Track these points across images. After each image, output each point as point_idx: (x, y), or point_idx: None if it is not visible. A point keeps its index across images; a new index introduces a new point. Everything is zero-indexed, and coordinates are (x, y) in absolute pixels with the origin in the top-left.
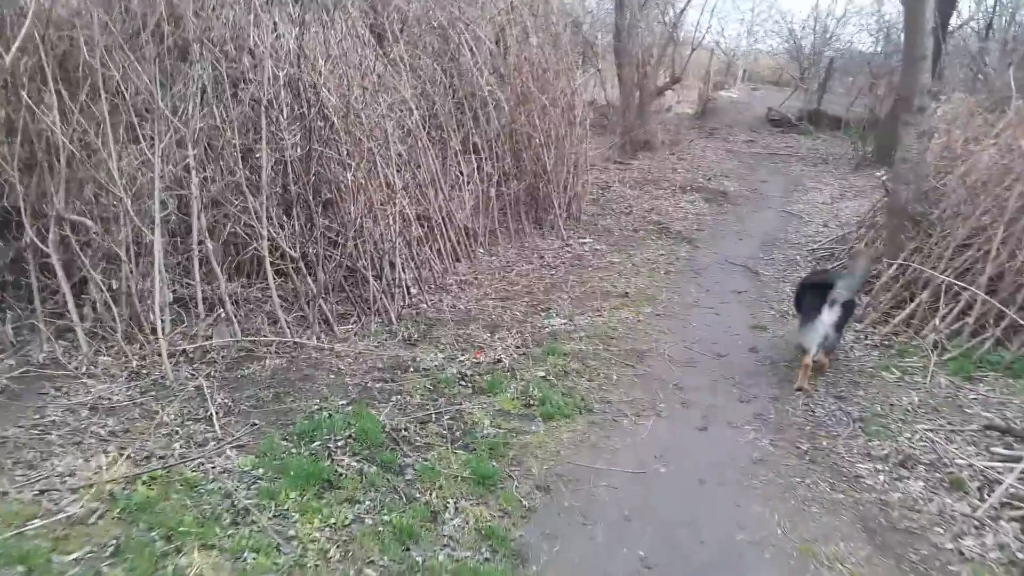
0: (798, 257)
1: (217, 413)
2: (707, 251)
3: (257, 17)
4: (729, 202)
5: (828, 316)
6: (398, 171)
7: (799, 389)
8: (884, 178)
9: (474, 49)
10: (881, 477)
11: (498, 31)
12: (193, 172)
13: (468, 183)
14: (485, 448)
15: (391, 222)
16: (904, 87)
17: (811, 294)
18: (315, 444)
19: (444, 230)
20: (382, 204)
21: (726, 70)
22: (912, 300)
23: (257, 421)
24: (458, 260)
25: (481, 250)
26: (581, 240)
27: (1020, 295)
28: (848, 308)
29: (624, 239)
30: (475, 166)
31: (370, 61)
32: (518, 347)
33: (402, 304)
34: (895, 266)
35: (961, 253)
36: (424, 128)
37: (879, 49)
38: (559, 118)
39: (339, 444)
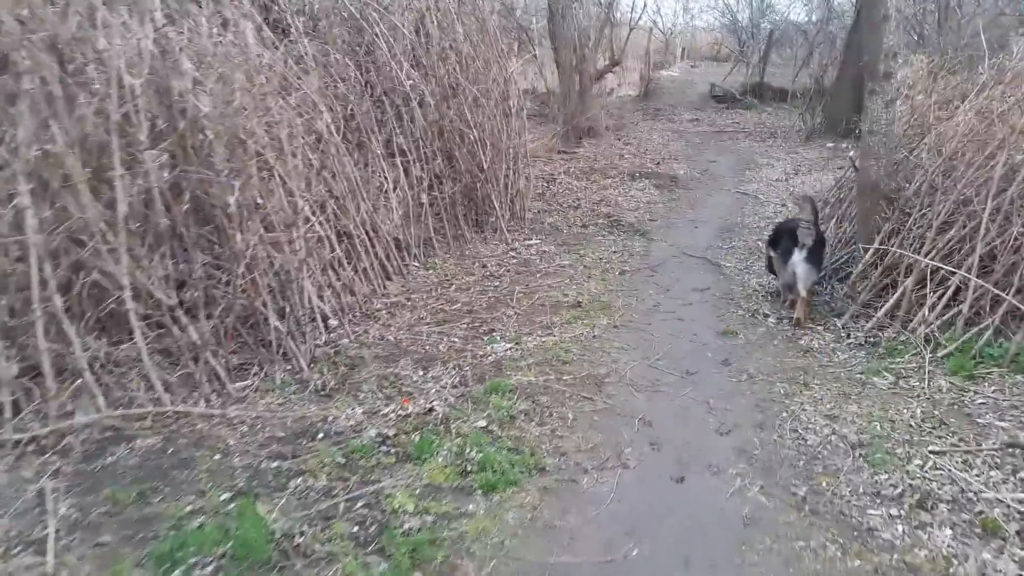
0: (760, 244)
1: (57, 532)
2: (662, 244)
3: (97, 13)
4: (680, 187)
5: (798, 256)
6: (306, 185)
7: (797, 324)
8: (851, 154)
9: (391, 40)
10: (899, 527)
11: (418, 19)
12: (29, 212)
13: (395, 189)
14: (406, 551)
15: (297, 247)
16: (868, 51)
17: (785, 240)
18: (176, 574)
19: (370, 246)
20: (285, 226)
21: (665, 49)
22: (895, 288)
23: (108, 539)
24: (388, 279)
25: (416, 264)
26: (527, 242)
27: (1016, 276)
28: (820, 244)
29: (574, 237)
30: (402, 170)
31: (265, 60)
32: (455, 387)
33: (317, 343)
34: (871, 251)
35: (944, 232)
36: (339, 132)
37: (814, 18)
38: (493, 110)
39: (208, 570)
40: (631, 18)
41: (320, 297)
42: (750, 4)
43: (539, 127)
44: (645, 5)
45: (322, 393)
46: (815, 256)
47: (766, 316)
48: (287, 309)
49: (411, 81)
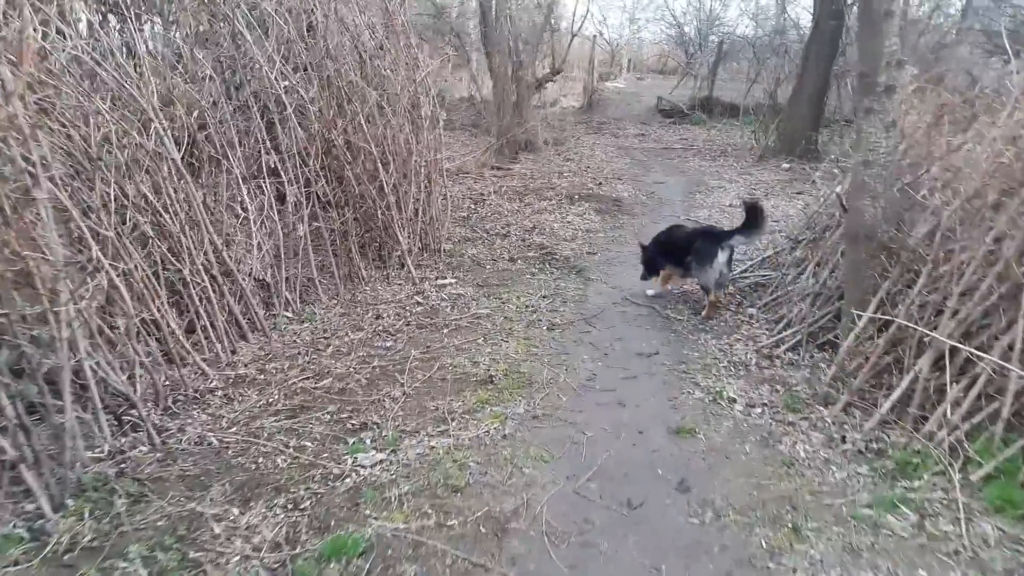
0: None
1: None
2: (602, 286)
3: None
4: (624, 212)
5: (722, 257)
6: (98, 218)
7: (708, 318)
8: (837, 190)
9: (262, 33)
10: None
11: (301, 7)
12: None
13: (262, 219)
14: None
15: (70, 315)
16: (863, 58)
17: (704, 241)
18: None
19: (217, 296)
20: (50, 289)
21: (611, 60)
22: (900, 370)
23: None
24: (244, 337)
25: (288, 315)
26: (440, 281)
27: None
28: (732, 251)
29: (498, 274)
30: (272, 195)
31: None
32: (277, 547)
33: (94, 455)
34: (865, 320)
35: (967, 297)
36: (186, 146)
37: (761, 32)
38: (401, 121)
39: None
40: (572, 24)
41: (129, 377)
42: (697, 16)
43: (473, 140)
44: (588, 12)
45: (63, 561)
46: (730, 259)
47: (732, 401)
48: (42, 414)
49: (287, 83)
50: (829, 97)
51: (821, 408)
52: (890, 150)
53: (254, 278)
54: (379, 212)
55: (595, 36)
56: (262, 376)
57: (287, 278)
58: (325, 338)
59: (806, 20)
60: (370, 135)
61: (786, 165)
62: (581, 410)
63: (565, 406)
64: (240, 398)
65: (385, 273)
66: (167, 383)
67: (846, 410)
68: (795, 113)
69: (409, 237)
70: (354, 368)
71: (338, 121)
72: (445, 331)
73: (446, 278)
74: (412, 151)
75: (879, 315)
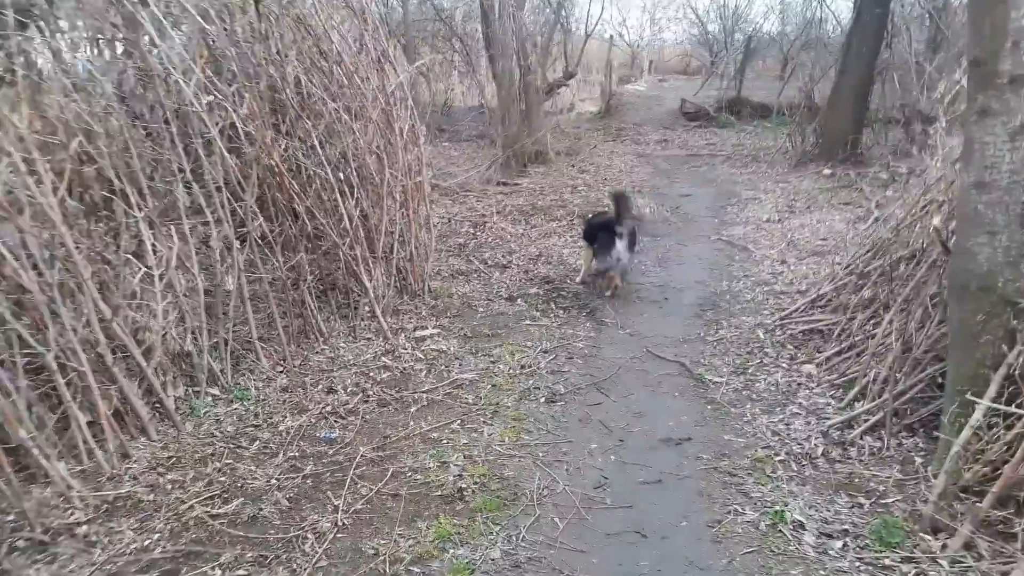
0: (762, 334)
1: None
2: (617, 332)
3: None
4: (645, 232)
5: (620, 244)
6: None
7: (612, 294)
8: (934, 222)
9: (170, 31)
10: None
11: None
12: None
13: (170, 272)
14: None
15: None
16: (975, 38)
17: (603, 233)
18: None
19: (100, 380)
20: None
21: (631, 63)
22: None
23: None
24: (144, 431)
25: (214, 392)
26: (419, 332)
27: None
28: (632, 236)
29: (492, 320)
30: (190, 240)
31: None
32: None
33: None
34: (984, 409)
35: None
36: (65, 182)
37: (788, 29)
38: (371, 139)
39: None
40: (587, 23)
41: None
42: (720, 13)
43: (480, 152)
44: (603, 9)
45: None
46: (631, 245)
47: (799, 527)
48: None
49: (211, 98)
50: (872, 95)
51: (929, 538)
52: (1016, 167)
53: (167, 349)
54: (341, 253)
55: (611, 36)
56: (151, 496)
57: (215, 343)
58: (255, 426)
59: (843, 12)
60: (326, 159)
61: (828, 171)
62: (583, 548)
63: (561, 541)
64: (108, 539)
65: (351, 325)
66: (10, 520)
67: (969, 546)
68: (835, 113)
69: (383, 278)
70: (278, 479)
71: (281, 143)
72: (413, 409)
73: (427, 328)
74: (385, 174)
75: (1005, 401)
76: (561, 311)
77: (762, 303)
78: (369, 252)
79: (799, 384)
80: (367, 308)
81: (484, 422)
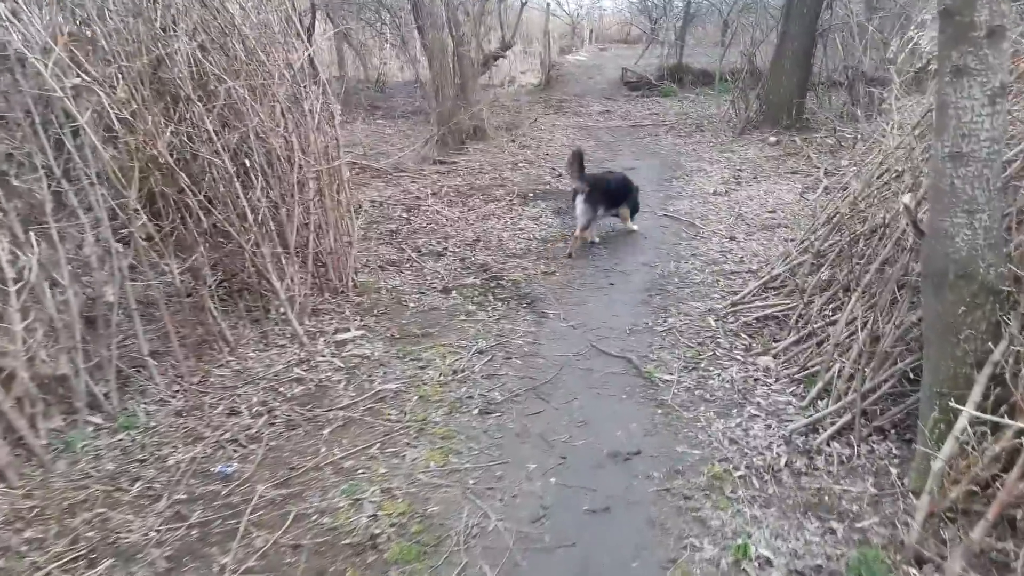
0: (713, 322)
1: None
2: (560, 324)
3: None
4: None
5: (578, 204)
6: None
7: (569, 255)
8: (904, 199)
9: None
10: None
11: None
12: None
13: (28, 285)
14: None
15: None
16: None
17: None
18: None
19: None
20: None
21: (572, 33)
22: None
23: None
24: (2, 478)
25: (96, 421)
26: (339, 336)
27: None
28: (589, 198)
29: (423, 317)
30: (59, 244)
31: None
32: None
33: None
34: (965, 415)
35: None
36: None
37: None
38: (278, 120)
39: None
40: None
41: None
42: None
43: (416, 130)
44: None
45: None
46: (591, 200)
47: (765, 564)
48: None
49: (79, 80)
50: (815, 57)
51: (914, 572)
52: (996, 136)
53: (36, 374)
54: (246, 251)
55: (549, 5)
56: (1, 563)
57: (98, 363)
58: (140, 461)
59: None
60: (226, 144)
61: (773, 138)
62: None
63: None
64: None
65: (263, 331)
66: None
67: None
68: (778, 78)
69: (298, 276)
70: (159, 530)
71: (168, 129)
72: (327, 432)
73: (349, 330)
74: (294, 161)
75: (991, 405)
76: (499, 303)
77: (712, 285)
78: (282, 248)
79: (756, 380)
80: (280, 311)
81: (408, 444)
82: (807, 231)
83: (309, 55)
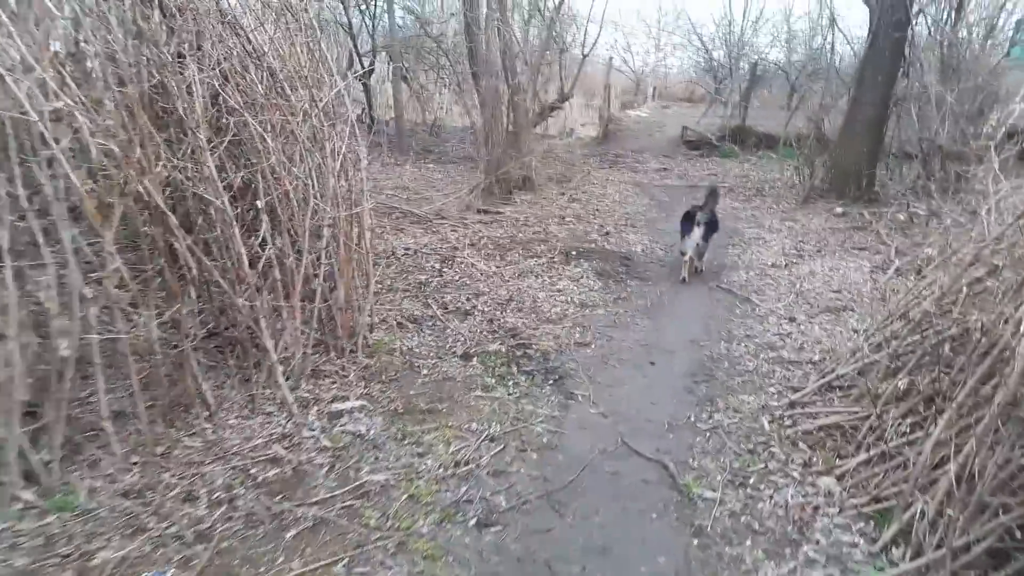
0: (767, 423)
1: None
2: (589, 411)
3: None
4: (635, 275)
5: (697, 232)
6: None
7: (683, 280)
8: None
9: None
10: None
11: None
12: None
13: None
14: None
15: None
16: None
17: (686, 222)
18: None
19: None
20: None
21: (636, 89)
22: None
23: None
24: None
25: (28, 498)
26: (335, 406)
27: None
28: (710, 226)
29: (435, 387)
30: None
31: None
32: None
33: None
34: None
35: None
36: None
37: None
38: (298, 160)
39: None
40: (583, 45)
41: None
42: (726, 41)
43: (465, 176)
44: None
45: None
46: (708, 233)
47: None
48: None
49: (61, 103)
50: (888, 127)
51: None
52: None
53: None
54: (237, 302)
55: (611, 58)
56: None
57: (43, 426)
58: (62, 556)
59: (855, 32)
60: (228, 184)
61: (839, 210)
62: None
63: None
64: None
65: (251, 393)
66: None
67: None
68: (847, 146)
69: (298, 334)
70: None
71: (166, 164)
72: (291, 534)
73: (348, 399)
74: (309, 205)
75: None
76: (523, 377)
77: (767, 375)
78: (285, 300)
79: (816, 508)
80: (270, 375)
81: (382, 562)
82: (879, 324)
83: (340, 92)
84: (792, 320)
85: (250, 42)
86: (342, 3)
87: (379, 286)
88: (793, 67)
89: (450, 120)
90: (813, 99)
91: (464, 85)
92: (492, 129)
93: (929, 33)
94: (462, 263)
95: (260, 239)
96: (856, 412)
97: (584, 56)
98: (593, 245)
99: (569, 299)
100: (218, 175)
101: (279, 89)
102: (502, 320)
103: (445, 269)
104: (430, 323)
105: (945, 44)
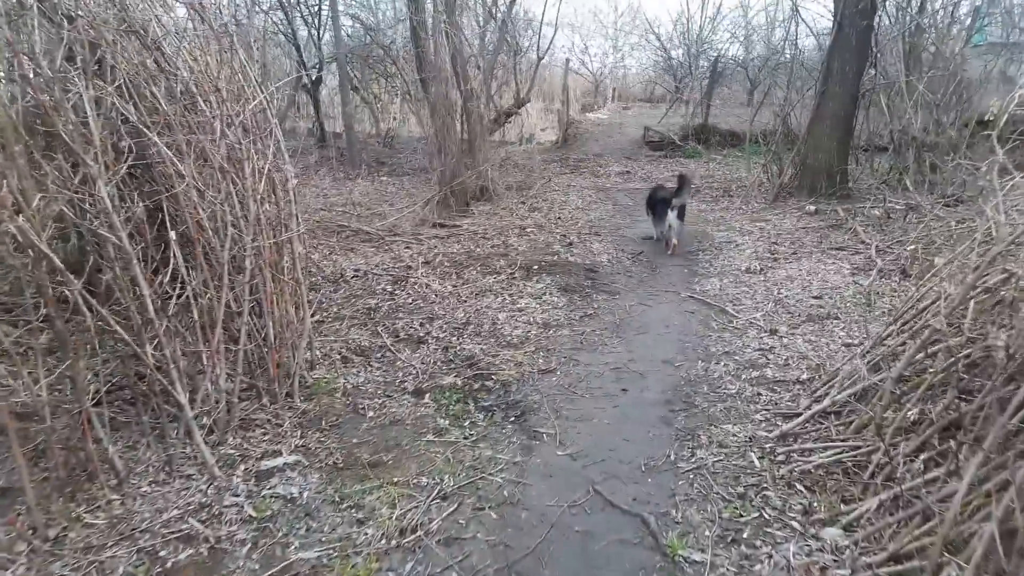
0: (756, 459)
1: None
2: (555, 452)
3: None
4: (601, 287)
5: (672, 215)
6: None
7: (671, 253)
8: None
9: None
10: None
11: None
12: None
13: None
14: None
15: None
16: None
17: (660, 204)
18: None
19: None
20: None
21: (595, 91)
22: None
23: None
24: None
25: None
26: (264, 463)
27: None
28: (682, 210)
29: (379, 434)
30: None
31: None
32: None
33: None
34: None
35: None
36: None
37: (753, 54)
38: (218, 183)
39: None
40: (538, 47)
41: None
42: (684, 39)
43: (421, 188)
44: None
45: None
46: (681, 216)
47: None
48: None
49: None
50: (857, 119)
51: None
52: None
53: None
54: (141, 354)
55: (568, 60)
56: None
57: None
58: None
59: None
60: (131, 215)
61: (812, 207)
62: None
63: None
64: None
65: (169, 453)
66: None
67: None
68: (817, 140)
69: (220, 382)
70: None
71: (32, 197)
72: None
73: (280, 454)
74: (227, 234)
75: None
76: (481, 415)
77: (752, 400)
78: (204, 344)
79: (823, 569)
80: (186, 430)
81: None
82: (875, 340)
83: (263, 105)
84: (774, 333)
85: (159, 51)
86: (284, 13)
87: (324, 314)
88: (753, 63)
89: (406, 130)
90: (777, 94)
91: (414, 93)
92: (444, 138)
93: (893, 20)
94: (416, 284)
95: (170, 276)
96: (859, 447)
97: (540, 59)
98: (556, 257)
99: (531, 319)
100: (116, 206)
101: (191, 104)
102: (458, 347)
103: (397, 291)
104: (379, 355)
105: (911, 31)
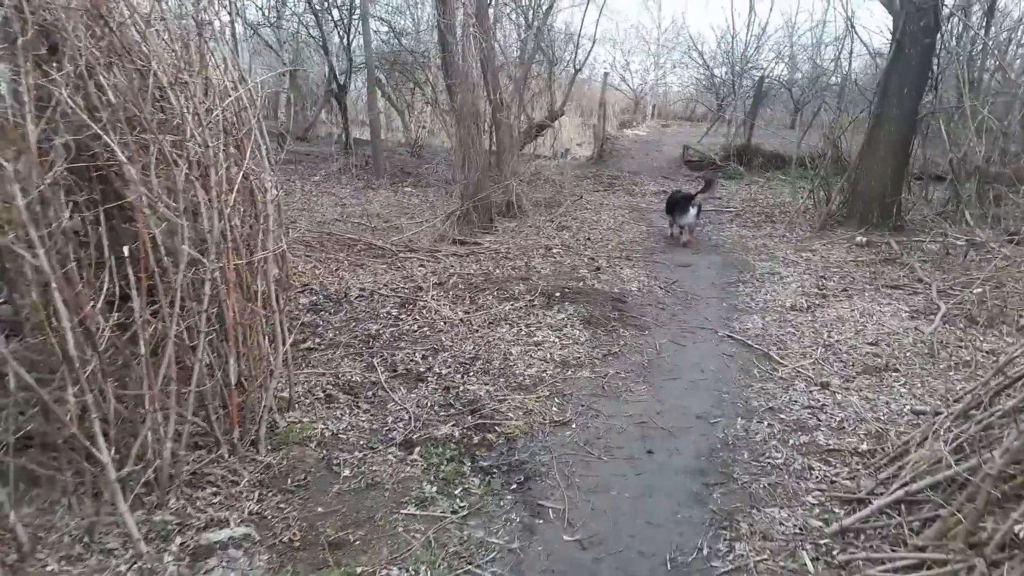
0: (809, 561)
1: None
2: (558, 535)
3: None
4: (629, 322)
5: (692, 211)
6: None
7: (685, 244)
8: None
9: None
10: None
11: None
12: None
13: None
14: None
15: None
16: None
17: (682, 201)
18: None
19: None
20: None
21: (635, 107)
22: None
23: None
24: None
25: None
26: (205, 537)
27: None
28: (700, 208)
29: (350, 500)
30: None
31: None
32: None
33: None
34: None
35: None
36: None
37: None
38: (180, 190)
39: None
40: (575, 59)
41: None
42: (728, 58)
43: (444, 200)
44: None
45: None
46: (699, 214)
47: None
48: None
49: None
50: (913, 145)
51: None
52: None
53: None
54: (52, 406)
55: (606, 74)
56: None
57: None
58: None
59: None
60: (55, 229)
61: (862, 239)
62: None
63: None
64: None
65: (90, 520)
66: None
67: None
68: (869, 166)
69: (169, 429)
70: None
71: None
72: None
73: (228, 523)
74: (183, 254)
75: None
76: (477, 479)
77: (802, 474)
78: (147, 387)
79: None
80: (116, 493)
81: None
82: (958, 413)
83: (238, 99)
84: (825, 387)
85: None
86: (315, 16)
87: (318, 340)
88: (798, 83)
89: (439, 140)
90: (824, 116)
91: (441, 101)
92: (469, 148)
93: (957, 39)
94: (424, 308)
95: (104, 302)
96: (944, 560)
97: (576, 71)
98: (581, 284)
99: (548, 356)
100: (36, 219)
101: (151, 97)
102: (461, 388)
103: (403, 316)
104: (370, 392)
105: (977, 51)
